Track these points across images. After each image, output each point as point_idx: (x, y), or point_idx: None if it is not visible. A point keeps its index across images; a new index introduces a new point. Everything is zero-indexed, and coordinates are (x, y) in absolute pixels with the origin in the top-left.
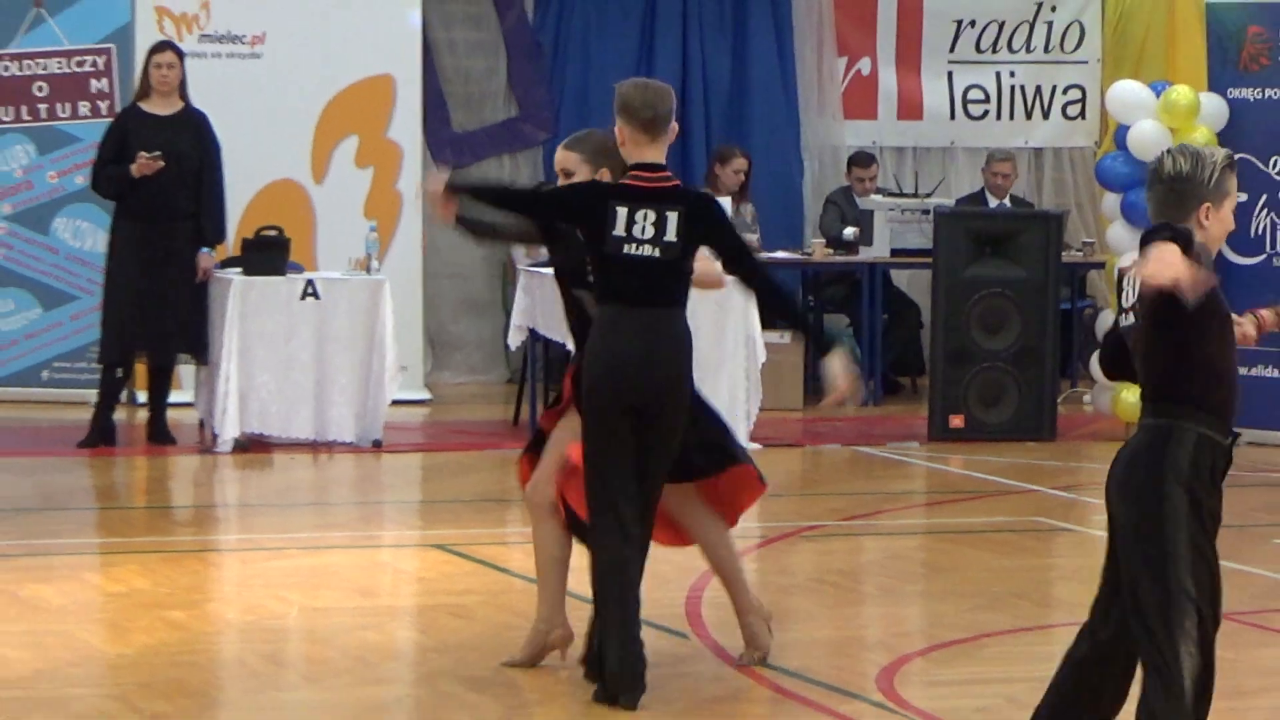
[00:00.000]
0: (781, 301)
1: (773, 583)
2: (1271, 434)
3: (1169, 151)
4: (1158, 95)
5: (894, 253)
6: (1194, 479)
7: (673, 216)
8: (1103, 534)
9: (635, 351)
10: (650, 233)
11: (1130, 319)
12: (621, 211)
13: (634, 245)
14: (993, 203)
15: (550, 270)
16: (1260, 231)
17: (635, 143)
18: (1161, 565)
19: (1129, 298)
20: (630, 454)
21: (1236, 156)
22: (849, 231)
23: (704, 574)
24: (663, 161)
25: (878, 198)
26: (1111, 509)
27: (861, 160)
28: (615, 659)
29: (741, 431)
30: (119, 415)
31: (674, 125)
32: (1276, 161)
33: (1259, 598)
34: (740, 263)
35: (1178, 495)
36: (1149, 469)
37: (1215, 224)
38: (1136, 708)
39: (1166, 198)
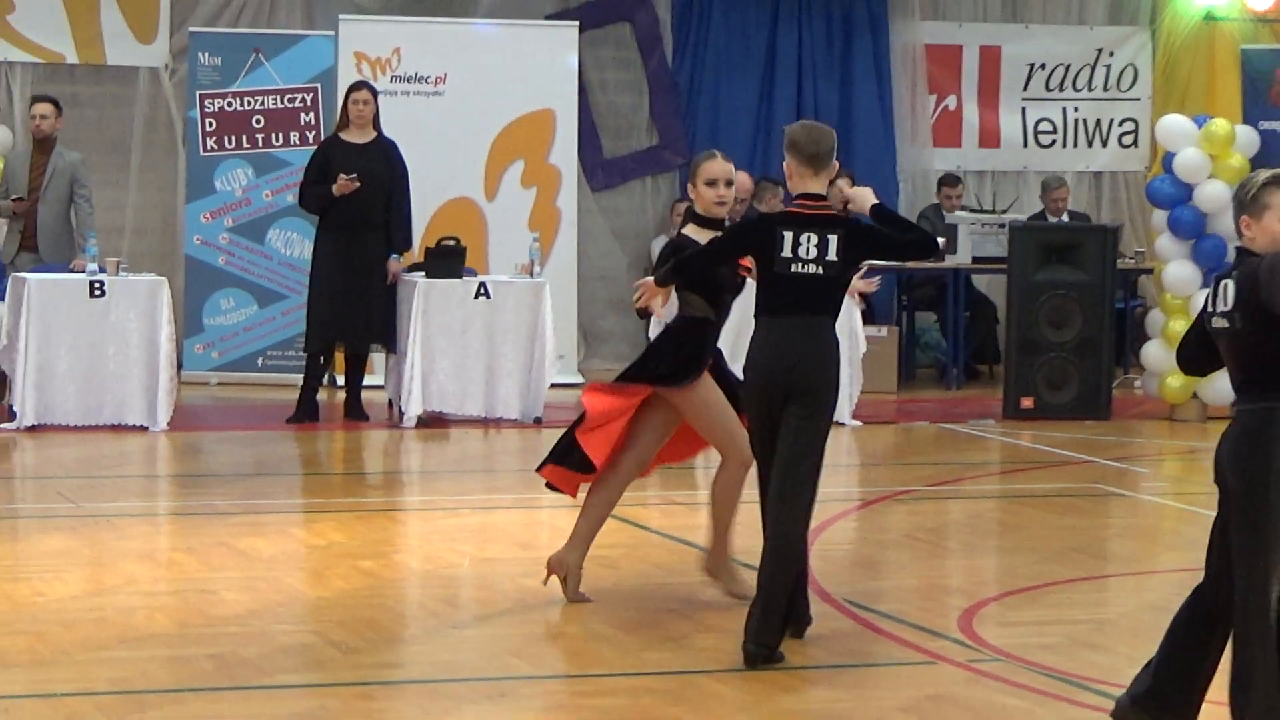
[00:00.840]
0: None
1: (870, 539)
2: None
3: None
4: (1199, 127)
5: (975, 260)
6: None
7: (833, 239)
8: (1150, 499)
9: (790, 354)
10: (814, 253)
11: (1223, 322)
12: (788, 236)
13: (800, 265)
14: (1052, 221)
15: None
16: None
17: (800, 175)
18: (1263, 533)
19: (1224, 303)
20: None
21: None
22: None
23: (814, 531)
24: (824, 192)
25: (962, 213)
26: (1224, 480)
27: (950, 181)
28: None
29: (845, 411)
30: (321, 396)
31: (835, 163)
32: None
33: None
34: (905, 245)
35: None
36: (1260, 447)
37: (1260, 235)
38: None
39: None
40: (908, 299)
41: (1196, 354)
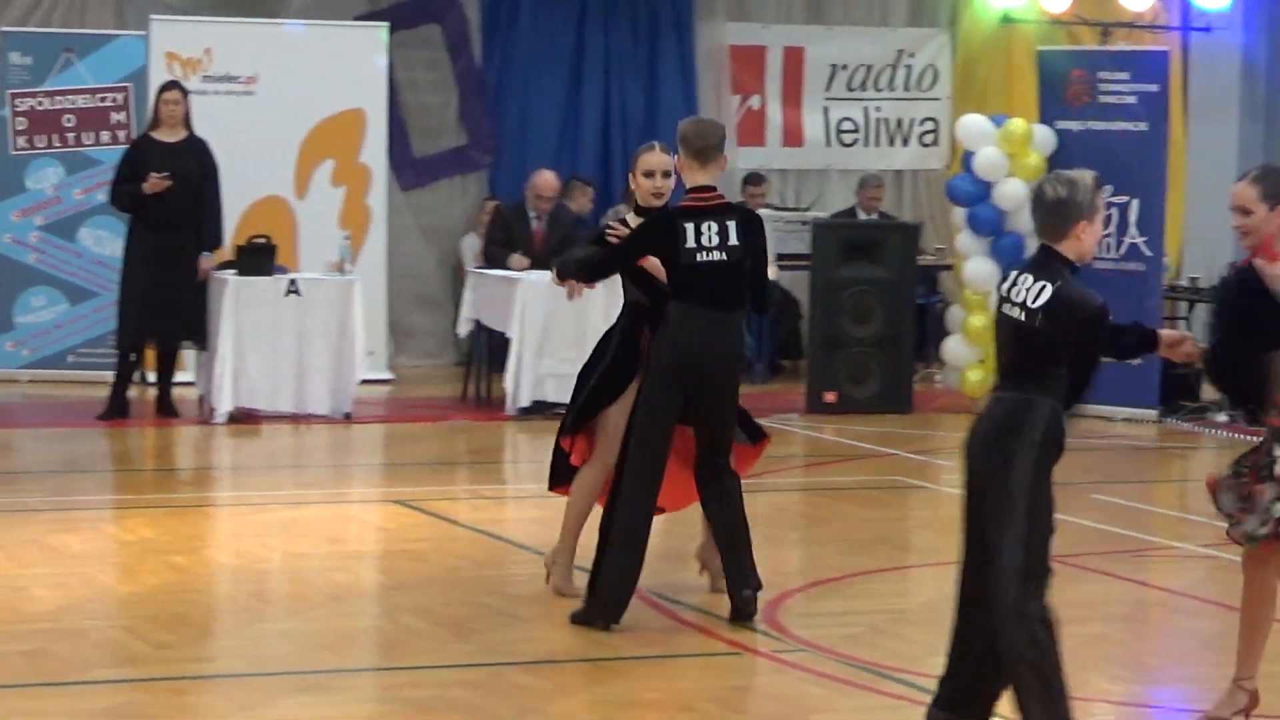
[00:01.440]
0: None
1: (677, 531)
2: (1092, 406)
3: (1047, 180)
4: (998, 126)
5: (779, 257)
6: None
7: (731, 225)
8: (951, 491)
9: (703, 342)
10: (716, 240)
11: (1018, 313)
12: (689, 228)
13: (705, 254)
14: (860, 218)
15: (495, 272)
16: None
17: (689, 169)
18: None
19: (1028, 298)
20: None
21: (1054, 172)
22: None
23: None
24: (715, 184)
25: (766, 211)
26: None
27: (754, 180)
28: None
29: None
30: (132, 393)
31: (724, 156)
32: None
33: (1074, 543)
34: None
35: None
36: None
37: (1089, 237)
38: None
39: (1049, 220)
40: None
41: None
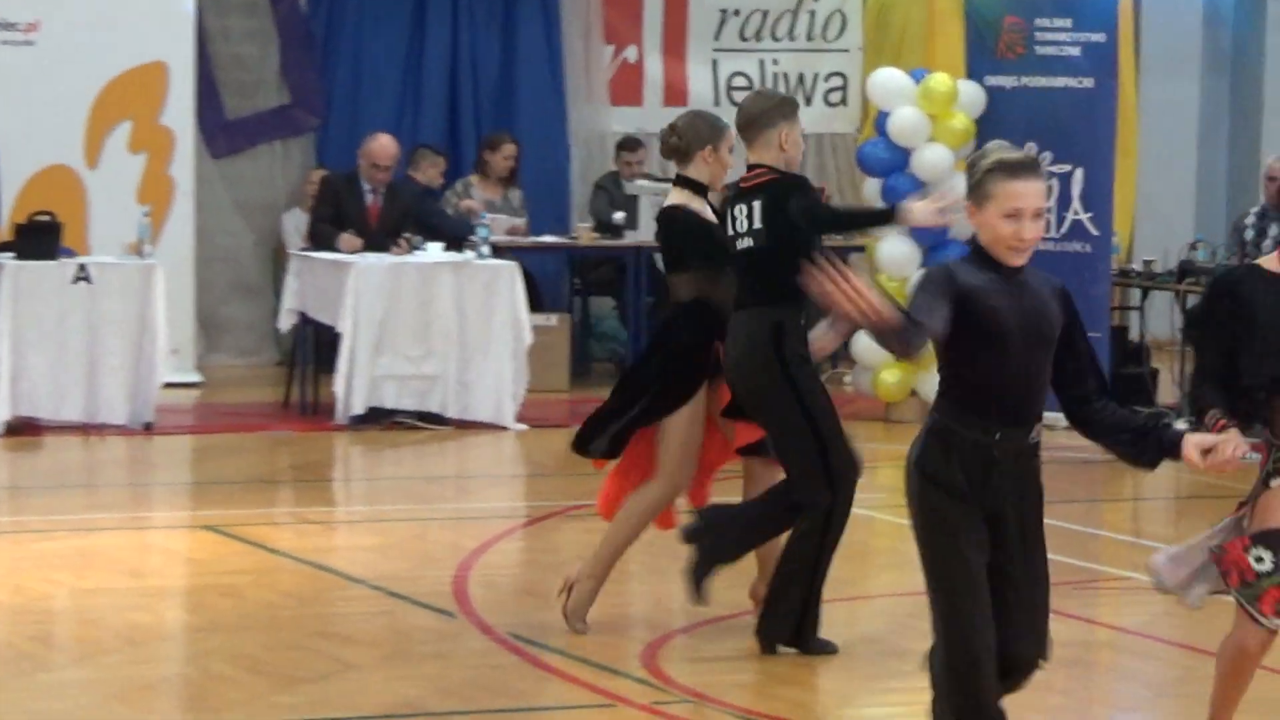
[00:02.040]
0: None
1: (538, 561)
2: None
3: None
4: (917, 82)
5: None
6: None
7: (756, 206)
8: (862, 512)
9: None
10: (745, 226)
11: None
12: (733, 211)
13: (740, 241)
14: None
15: (322, 254)
16: None
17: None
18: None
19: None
20: None
21: (994, 142)
22: (617, 215)
23: (472, 553)
24: (760, 162)
25: (644, 183)
26: None
27: (629, 145)
28: None
29: (508, 413)
30: None
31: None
32: (1032, 147)
33: None
34: (811, 215)
35: None
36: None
37: (981, 228)
38: None
39: None
40: (581, 282)
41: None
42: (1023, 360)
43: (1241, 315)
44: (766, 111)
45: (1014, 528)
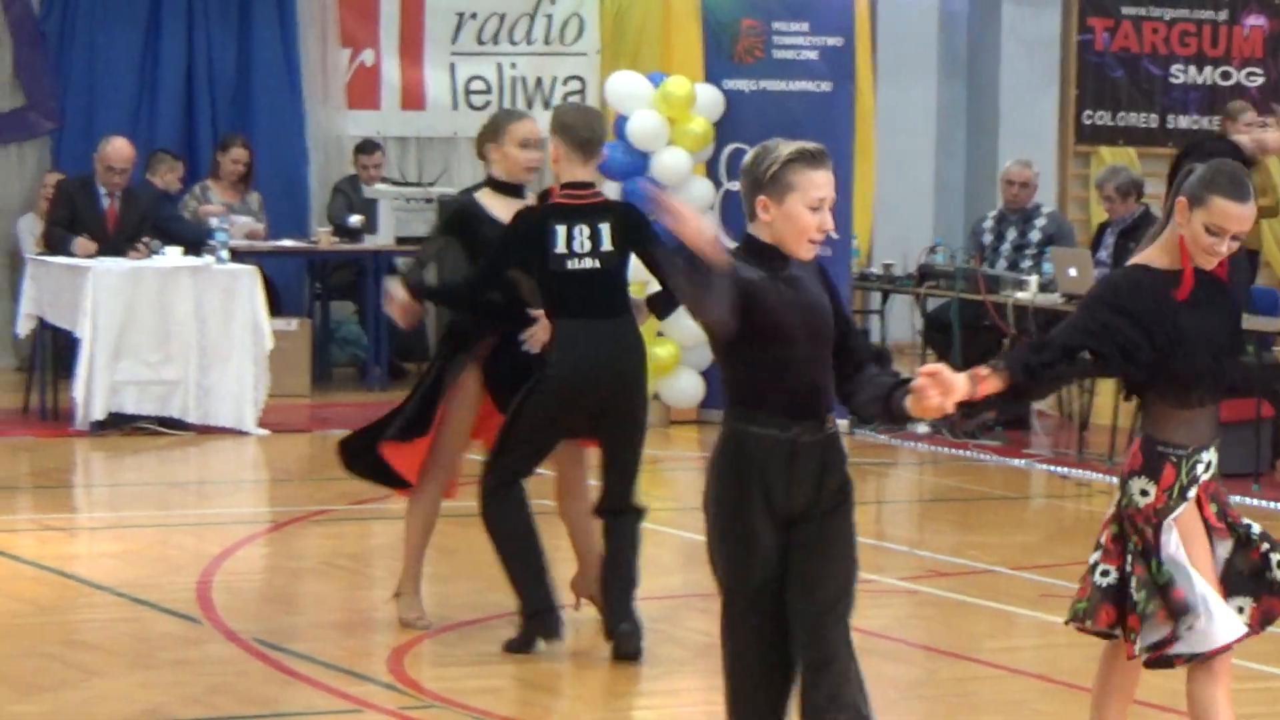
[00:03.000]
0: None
1: (283, 567)
2: None
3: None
4: (655, 86)
5: (399, 240)
6: None
7: (605, 228)
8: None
9: (600, 360)
10: (588, 246)
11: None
12: (561, 230)
13: (575, 260)
14: None
15: (59, 259)
16: None
17: (570, 161)
18: None
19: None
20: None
21: (733, 147)
22: (354, 219)
23: (216, 559)
24: (592, 180)
25: (383, 186)
26: None
27: (367, 149)
28: None
29: (249, 418)
30: None
31: (604, 150)
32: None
33: None
34: (658, 266)
35: None
36: None
37: (779, 219)
38: None
39: (741, 191)
40: (321, 286)
41: None
42: (808, 354)
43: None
44: (606, 132)
45: (815, 527)
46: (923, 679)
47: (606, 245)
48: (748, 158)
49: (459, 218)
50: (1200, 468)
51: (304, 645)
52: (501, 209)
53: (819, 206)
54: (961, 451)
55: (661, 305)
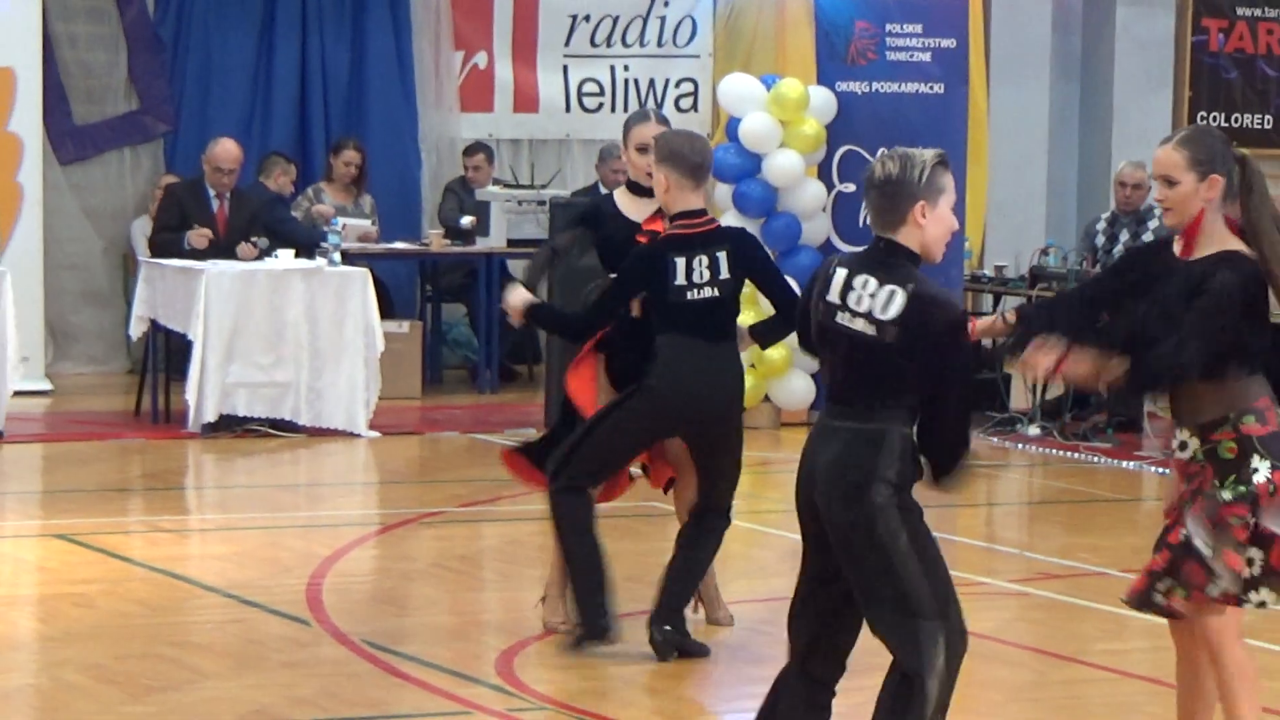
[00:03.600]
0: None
1: (393, 569)
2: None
3: (879, 156)
4: (768, 88)
5: (511, 243)
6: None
7: (722, 257)
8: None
9: (702, 380)
10: (707, 276)
11: (864, 326)
12: (680, 263)
13: (695, 291)
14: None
15: (172, 262)
16: (868, 222)
17: (681, 189)
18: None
19: (872, 305)
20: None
21: (845, 149)
22: (465, 220)
23: (325, 561)
24: (704, 207)
25: (495, 189)
26: (817, 512)
27: (470, 150)
28: None
29: (360, 420)
30: None
31: (711, 174)
32: (883, 153)
33: None
34: (772, 291)
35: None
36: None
37: (933, 223)
38: None
39: (880, 203)
40: (432, 288)
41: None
42: None
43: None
44: (713, 159)
45: None
46: (1032, 682)
47: (724, 274)
48: (889, 168)
49: (592, 211)
50: None
51: (413, 647)
52: (634, 209)
53: (954, 209)
54: (1072, 454)
55: (764, 334)
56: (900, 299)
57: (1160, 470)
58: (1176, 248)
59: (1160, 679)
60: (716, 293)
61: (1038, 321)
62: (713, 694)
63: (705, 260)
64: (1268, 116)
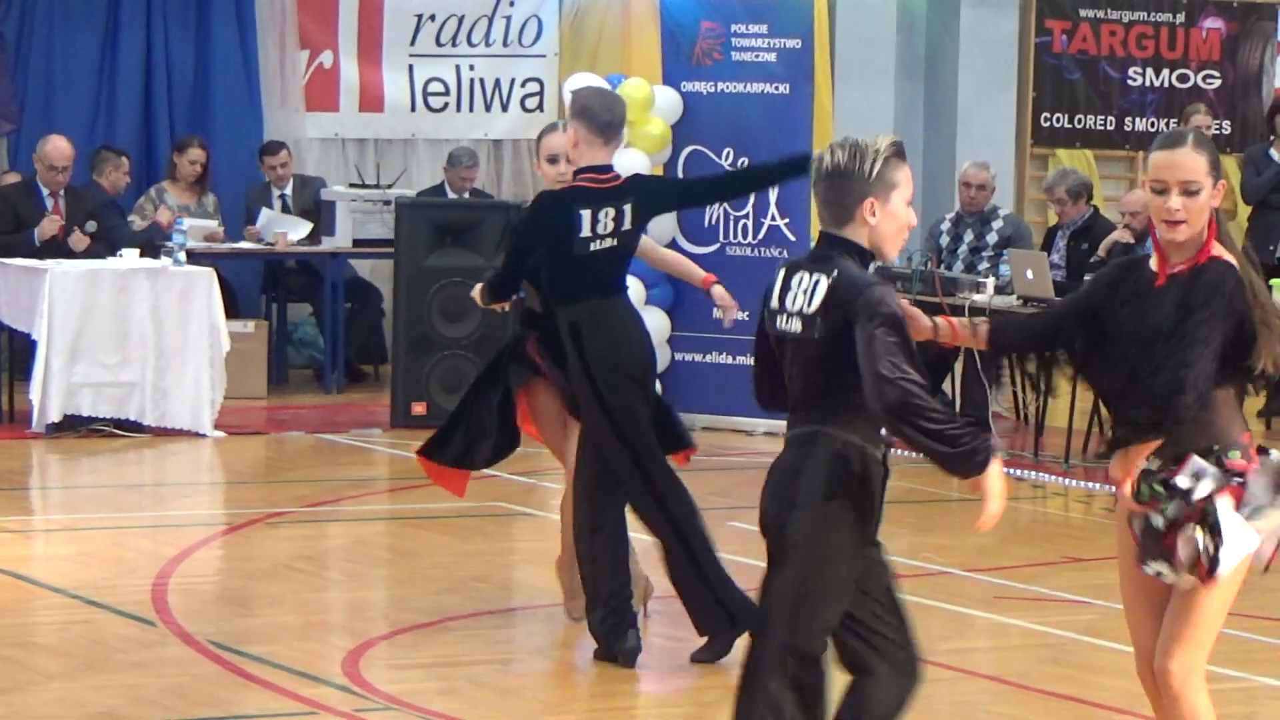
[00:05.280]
0: (751, 174)
1: (238, 569)
2: (725, 419)
3: (830, 145)
4: (614, 88)
5: (356, 243)
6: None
7: (628, 209)
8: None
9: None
10: (610, 228)
11: (796, 325)
12: (585, 214)
13: (599, 242)
14: (454, 197)
15: (15, 260)
16: (714, 222)
17: (590, 145)
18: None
19: (805, 302)
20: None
21: (691, 149)
22: (260, 220)
23: (171, 561)
24: (612, 163)
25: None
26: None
27: (271, 149)
28: None
29: (206, 420)
30: None
31: (624, 134)
32: (729, 153)
33: None
34: (699, 190)
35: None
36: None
37: (884, 219)
38: None
39: (828, 195)
40: (276, 289)
41: (770, 372)
42: None
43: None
44: (625, 116)
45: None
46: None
47: (627, 225)
48: (838, 157)
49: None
50: None
51: (259, 648)
52: None
53: (911, 202)
54: (918, 454)
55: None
56: (823, 286)
57: (1004, 470)
58: (1168, 266)
59: (1003, 677)
60: (616, 243)
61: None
62: (563, 694)
63: (611, 213)
64: (1110, 118)
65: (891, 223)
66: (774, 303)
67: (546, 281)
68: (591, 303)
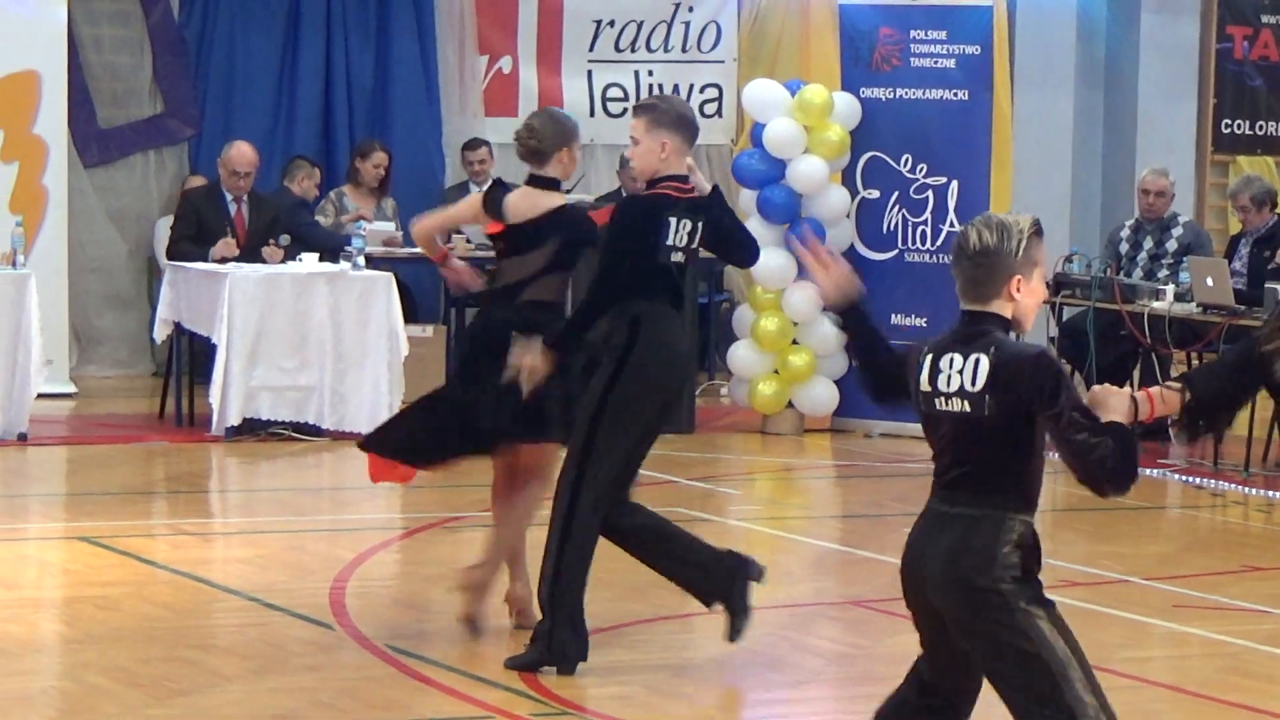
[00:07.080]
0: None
1: (415, 573)
2: (906, 425)
3: (973, 224)
4: (793, 94)
5: None
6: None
7: (701, 225)
8: (740, 524)
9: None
10: (685, 240)
11: (961, 404)
12: (672, 222)
13: (677, 254)
14: None
15: (196, 265)
16: (892, 228)
17: (679, 154)
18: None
19: (967, 381)
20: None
21: (870, 155)
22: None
23: (349, 564)
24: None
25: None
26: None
27: (472, 145)
28: None
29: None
30: None
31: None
32: (907, 159)
33: (890, 586)
34: (731, 245)
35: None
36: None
37: (1027, 296)
38: None
39: (975, 274)
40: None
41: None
42: None
43: None
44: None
45: None
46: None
47: (694, 243)
48: (986, 239)
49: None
50: None
51: (436, 651)
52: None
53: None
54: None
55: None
56: (985, 365)
57: (1184, 479)
58: None
59: (1181, 686)
60: (684, 259)
61: (1201, 387)
62: (734, 699)
63: (688, 225)
64: None
65: (1033, 299)
66: (925, 385)
67: (622, 283)
68: (662, 306)
